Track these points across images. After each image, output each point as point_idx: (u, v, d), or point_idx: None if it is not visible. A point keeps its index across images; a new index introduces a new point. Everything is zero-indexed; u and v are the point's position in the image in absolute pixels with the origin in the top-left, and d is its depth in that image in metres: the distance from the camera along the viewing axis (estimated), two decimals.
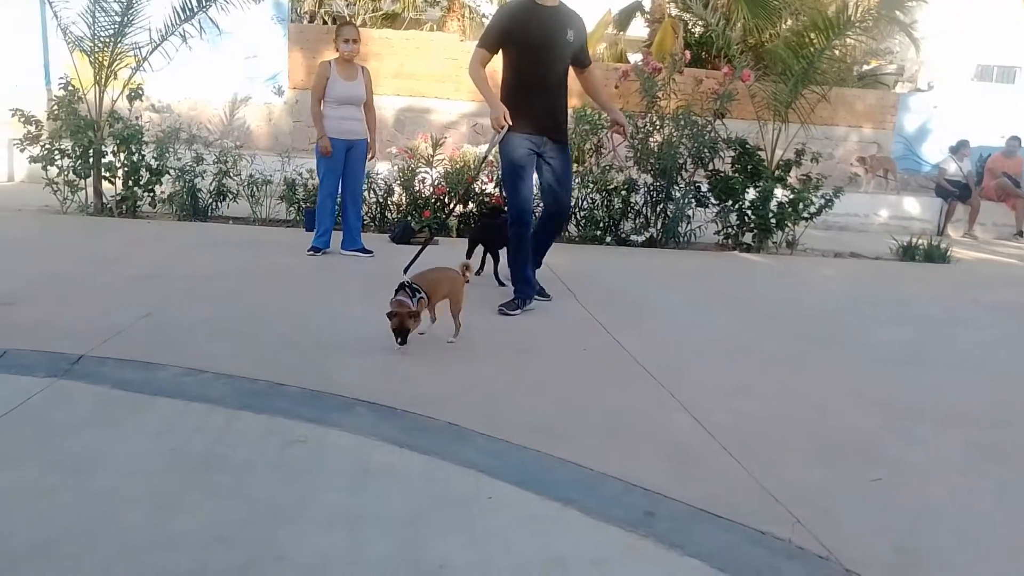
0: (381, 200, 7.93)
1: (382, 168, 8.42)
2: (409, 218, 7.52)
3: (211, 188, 7.93)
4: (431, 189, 7.78)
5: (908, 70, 16.59)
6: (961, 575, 2.14)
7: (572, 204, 5.42)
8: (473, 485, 2.44)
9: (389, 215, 7.93)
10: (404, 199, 7.84)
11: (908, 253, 8.33)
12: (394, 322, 3.61)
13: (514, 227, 4.78)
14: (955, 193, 11.51)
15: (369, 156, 6.29)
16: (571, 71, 4.84)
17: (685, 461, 2.75)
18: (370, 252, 6.31)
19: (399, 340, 3.62)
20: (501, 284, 5.42)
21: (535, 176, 4.83)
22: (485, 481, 2.46)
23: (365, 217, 7.75)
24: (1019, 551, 2.28)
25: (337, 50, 6.10)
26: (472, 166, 8.06)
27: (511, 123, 4.52)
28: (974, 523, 2.44)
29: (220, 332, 3.89)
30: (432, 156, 7.90)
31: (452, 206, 7.43)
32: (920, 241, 8.43)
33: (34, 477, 2.32)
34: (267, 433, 2.72)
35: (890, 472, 2.77)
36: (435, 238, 7.26)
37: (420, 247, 4.82)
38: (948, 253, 8.31)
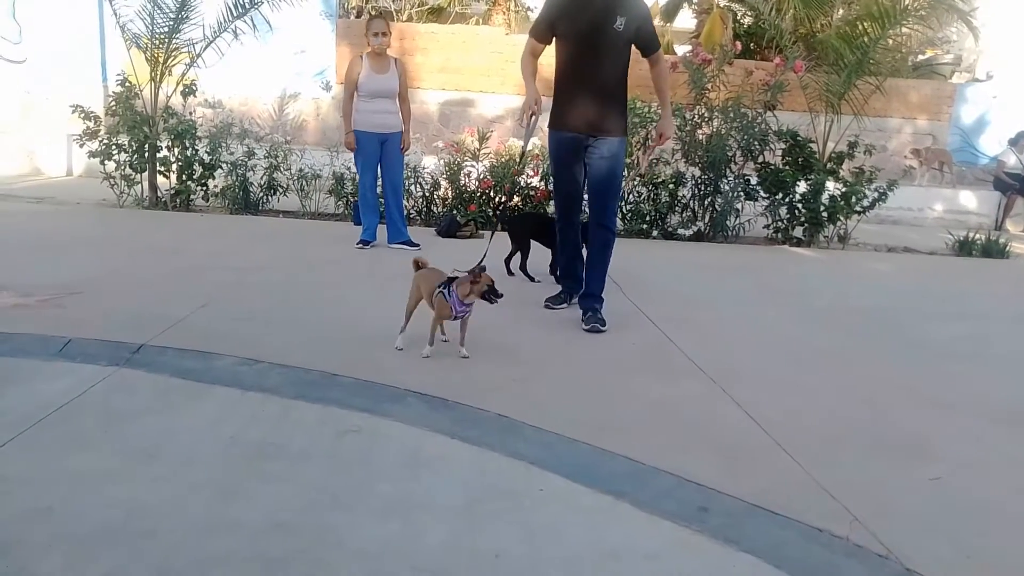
0: (427, 194, 7.98)
1: (428, 162, 8.47)
2: (455, 212, 7.56)
3: (262, 182, 8.08)
4: (477, 183, 7.80)
5: (966, 60, 16.06)
6: None
7: (617, 208, 4.85)
8: (524, 476, 2.45)
9: (435, 209, 7.98)
10: (450, 193, 7.88)
11: (964, 248, 8.10)
12: (486, 279, 3.54)
13: (558, 222, 4.75)
14: (1015, 186, 11.15)
15: (403, 148, 6.31)
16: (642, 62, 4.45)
17: (738, 456, 2.72)
18: (416, 245, 6.36)
19: (498, 296, 3.57)
20: (532, 280, 5.42)
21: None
22: (536, 473, 2.47)
23: (411, 211, 7.83)
24: None
25: (368, 44, 6.16)
26: (518, 160, 8.05)
27: (537, 111, 4.25)
28: None
29: (273, 323, 3.97)
30: (478, 150, 7.91)
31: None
32: (977, 236, 8.19)
33: (100, 463, 2.40)
34: (321, 422, 2.76)
35: (948, 470, 2.70)
36: (481, 232, 7.33)
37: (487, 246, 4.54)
38: (1007, 248, 8.05)
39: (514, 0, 15.88)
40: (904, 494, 2.50)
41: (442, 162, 8.09)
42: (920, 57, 14.74)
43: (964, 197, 11.42)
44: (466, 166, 7.91)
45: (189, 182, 7.95)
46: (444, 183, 7.96)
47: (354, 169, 7.70)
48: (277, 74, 12.46)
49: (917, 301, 5.70)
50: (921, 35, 12.72)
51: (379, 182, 6.52)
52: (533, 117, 4.28)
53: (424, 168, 8.13)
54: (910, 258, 7.91)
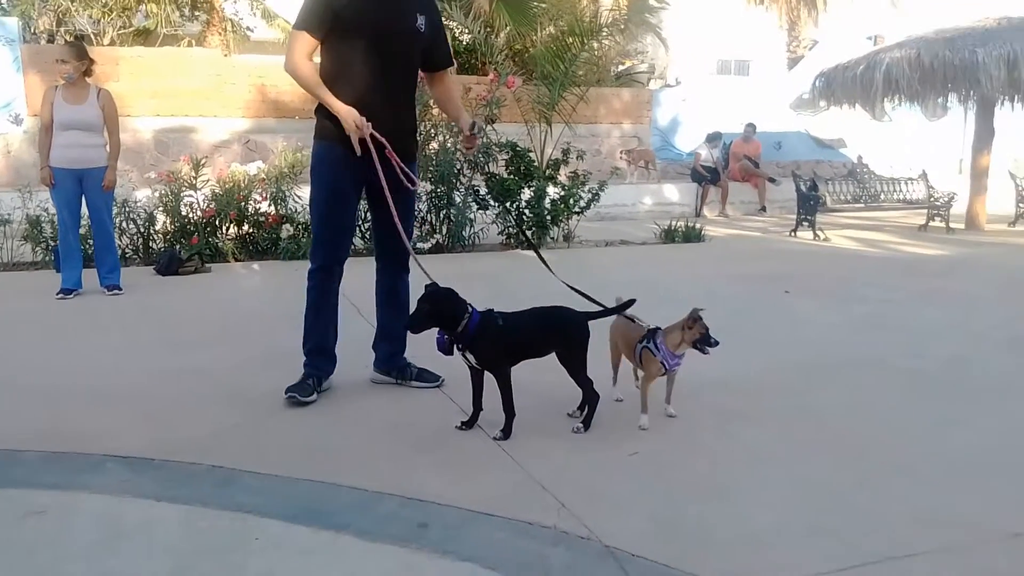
0: (143, 229, 7.36)
1: (142, 195, 7.83)
2: (177, 246, 7.06)
3: None
4: (199, 213, 7.35)
5: (658, 67, 18.06)
6: (714, 535, 2.33)
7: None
8: (240, 528, 2.32)
9: (154, 245, 7.39)
10: (170, 226, 7.34)
11: (669, 236, 9.07)
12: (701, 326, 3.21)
13: (319, 273, 3.58)
14: (707, 178, 12.70)
15: (104, 186, 5.76)
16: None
17: (463, 465, 2.81)
18: (120, 290, 5.83)
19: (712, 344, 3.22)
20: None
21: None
22: (253, 522, 2.36)
23: (127, 249, 7.21)
24: (768, 507, 2.53)
25: None
26: (243, 185, 7.69)
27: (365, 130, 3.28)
28: (725, 484, 2.69)
29: None
30: (195, 178, 7.44)
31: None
32: (679, 224, 9.22)
33: None
34: None
35: (649, 444, 2.99)
36: (207, 266, 6.91)
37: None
38: (702, 233, 9.16)
39: (230, 20, 15.17)
40: (608, 474, 2.73)
41: (157, 194, 7.52)
42: (620, 67, 16.30)
43: (668, 190, 12.81)
44: (185, 196, 7.41)
45: None
46: (162, 216, 7.40)
47: (53, 211, 6.93)
48: None
49: (629, 288, 6.23)
50: (618, 47, 14.13)
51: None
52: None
53: (137, 202, 7.49)
54: (625, 249, 8.71)
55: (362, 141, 3.28)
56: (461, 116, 3.65)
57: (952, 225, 10.49)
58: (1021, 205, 11.24)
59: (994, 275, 7.18)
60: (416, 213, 8.20)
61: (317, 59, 3.40)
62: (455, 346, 3.09)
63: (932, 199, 10.89)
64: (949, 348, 4.51)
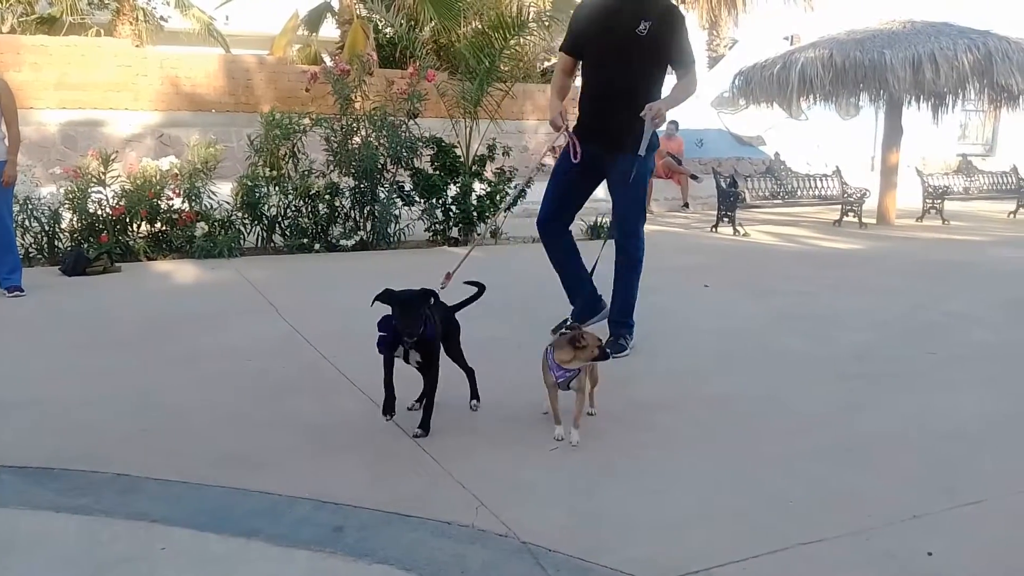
0: (48, 228, 7.00)
1: (47, 191, 7.45)
2: (85, 245, 6.74)
3: None
4: (108, 210, 7.03)
5: None
6: (631, 525, 2.35)
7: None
8: (144, 538, 2.22)
9: (60, 244, 7.04)
10: (76, 224, 7.00)
11: (594, 232, 9.15)
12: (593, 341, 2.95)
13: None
14: None
15: (4, 182, 5.47)
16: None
17: (382, 466, 2.76)
18: (23, 292, 5.54)
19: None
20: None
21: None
22: (158, 531, 2.26)
23: (31, 248, 6.86)
24: (684, 495, 2.57)
25: None
26: (155, 181, 7.39)
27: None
28: (643, 474, 2.72)
29: None
30: (104, 174, 7.10)
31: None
32: (604, 220, 9.29)
33: None
34: None
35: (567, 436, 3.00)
36: (117, 265, 6.62)
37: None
38: None
39: (143, 10, 14.56)
40: (529, 470, 2.72)
41: (63, 190, 7.16)
42: (547, 64, 16.34)
43: None
44: (93, 193, 7.08)
45: None
46: (68, 214, 7.06)
47: None
48: None
49: (555, 286, 6.28)
50: (544, 43, 14.16)
51: None
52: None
53: (41, 199, 7.12)
54: None
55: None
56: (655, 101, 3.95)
57: (864, 220, 10.91)
58: (928, 201, 11.77)
59: (902, 267, 7.51)
60: (339, 209, 8.07)
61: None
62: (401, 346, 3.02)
63: (846, 195, 11.31)
64: (857, 336, 4.69)
